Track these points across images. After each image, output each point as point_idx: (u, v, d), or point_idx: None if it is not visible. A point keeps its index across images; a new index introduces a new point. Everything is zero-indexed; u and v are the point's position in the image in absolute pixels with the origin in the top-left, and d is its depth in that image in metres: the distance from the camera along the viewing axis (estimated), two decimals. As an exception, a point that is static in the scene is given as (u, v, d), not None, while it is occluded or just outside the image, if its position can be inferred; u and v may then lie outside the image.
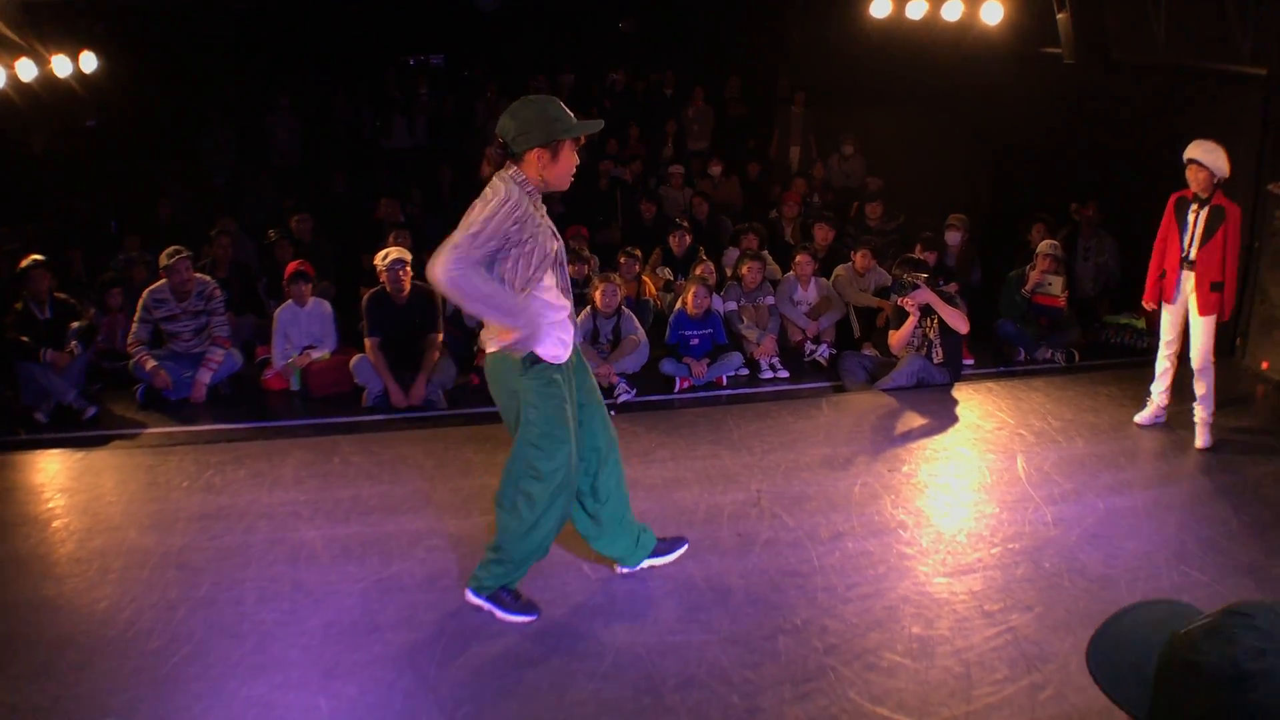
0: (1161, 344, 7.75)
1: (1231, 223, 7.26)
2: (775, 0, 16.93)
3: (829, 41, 15.83)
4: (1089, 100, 11.86)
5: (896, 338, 9.04)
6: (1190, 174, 7.23)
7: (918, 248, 10.43)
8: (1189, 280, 7.41)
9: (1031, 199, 12.39)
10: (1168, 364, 7.74)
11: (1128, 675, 1.67)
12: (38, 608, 5.28)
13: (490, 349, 4.84)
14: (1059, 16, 11.09)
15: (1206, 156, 7.12)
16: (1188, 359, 7.51)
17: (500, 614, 5.12)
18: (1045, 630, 5.00)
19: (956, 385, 8.90)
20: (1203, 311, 7.38)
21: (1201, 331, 7.41)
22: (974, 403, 8.45)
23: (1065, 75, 11.57)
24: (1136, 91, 11.20)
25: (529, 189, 4.62)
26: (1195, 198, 7.28)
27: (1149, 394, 7.91)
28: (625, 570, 5.52)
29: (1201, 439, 7.51)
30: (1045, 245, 10.26)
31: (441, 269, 4.39)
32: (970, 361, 9.76)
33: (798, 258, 10.55)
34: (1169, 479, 6.97)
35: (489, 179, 4.70)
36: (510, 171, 4.61)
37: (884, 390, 8.85)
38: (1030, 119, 12.90)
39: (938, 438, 7.73)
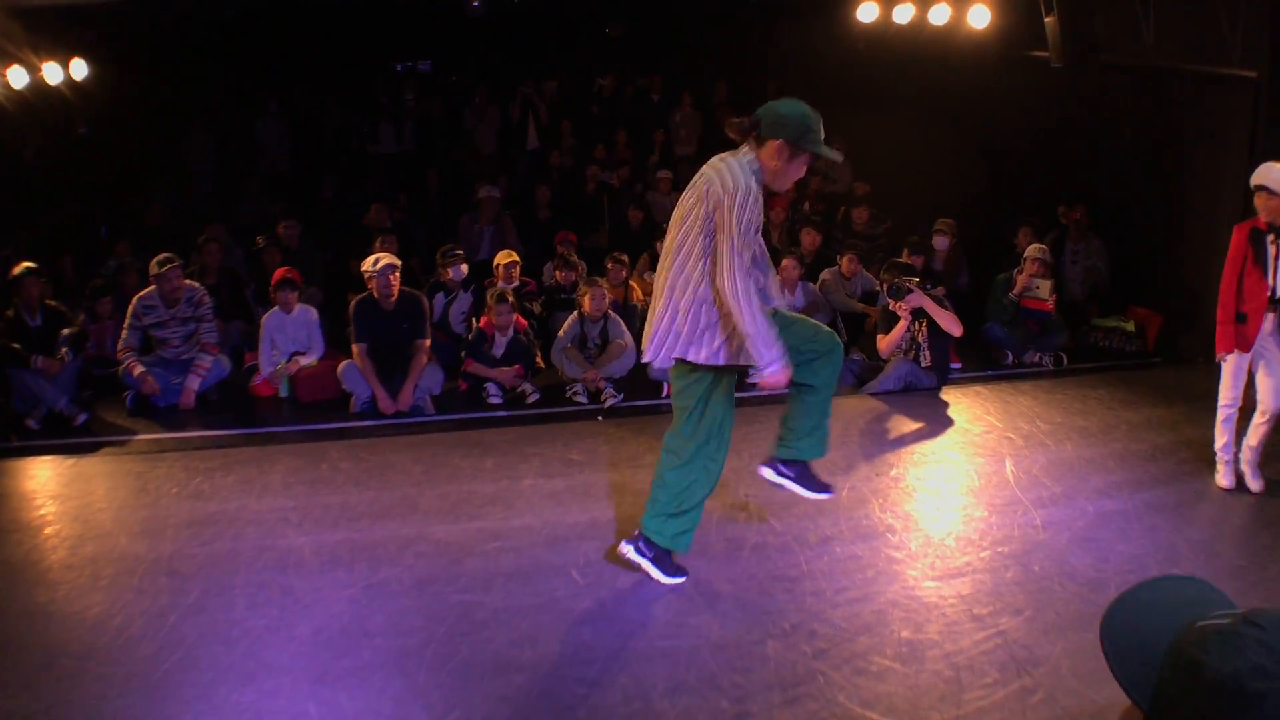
0: (1221, 403, 6.82)
1: None
2: (762, 5, 16.93)
3: (816, 46, 15.85)
4: (1077, 103, 11.90)
5: (886, 341, 9.06)
6: (1259, 202, 6.45)
7: (904, 252, 10.46)
8: (1270, 321, 6.59)
9: (1020, 202, 12.44)
10: (1229, 424, 6.82)
11: (1135, 652, 1.66)
12: (30, 615, 5.27)
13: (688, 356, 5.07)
14: (1047, 20, 11.10)
15: (1276, 181, 6.35)
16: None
17: (657, 574, 5.46)
18: (1035, 634, 5.01)
19: (944, 389, 8.94)
20: None
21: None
22: (962, 406, 8.47)
23: (1053, 78, 11.60)
24: (1125, 94, 11.26)
25: (761, 175, 4.84)
26: (1270, 227, 6.48)
27: (1215, 454, 6.96)
28: None
29: (1232, 479, 6.89)
30: (1033, 249, 10.30)
31: (730, 285, 4.73)
32: (958, 365, 9.79)
33: (784, 262, 10.55)
34: (1159, 482, 6.98)
35: (729, 131, 4.95)
36: (747, 157, 4.82)
37: (871, 394, 8.87)
38: (1018, 122, 12.93)
39: (925, 441, 7.75)
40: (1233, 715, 1.47)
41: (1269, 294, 6.56)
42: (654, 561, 5.48)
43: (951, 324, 8.83)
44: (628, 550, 5.53)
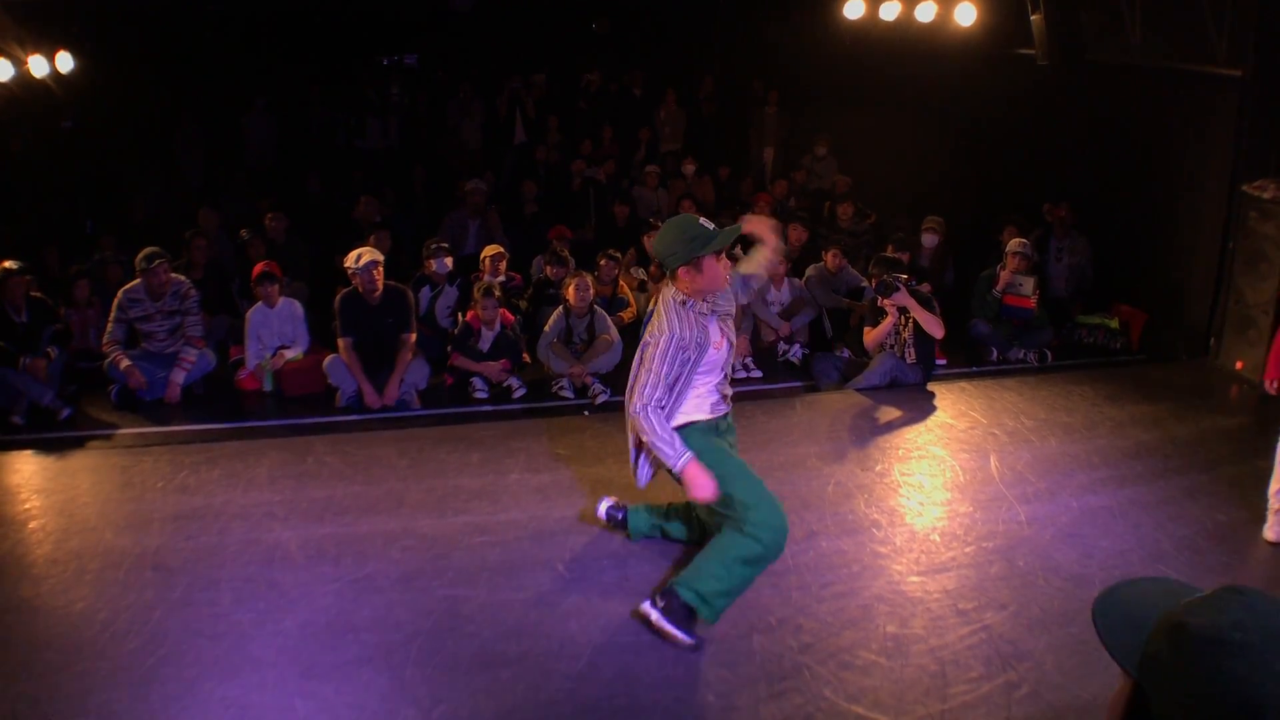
0: None
1: None
2: (749, 1, 16.94)
3: (802, 42, 15.86)
4: (1062, 101, 11.93)
5: (872, 336, 9.05)
6: None
7: (889, 248, 10.47)
8: None
9: (1005, 200, 12.46)
10: None
11: (1124, 623, 1.73)
12: (15, 609, 5.25)
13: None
14: (1033, 18, 11.15)
15: None
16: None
17: (668, 625, 4.90)
18: (1020, 629, 5.03)
19: (929, 385, 8.94)
20: None
21: None
22: (947, 402, 8.48)
23: (1039, 76, 11.64)
24: (1110, 93, 11.29)
25: (689, 303, 4.93)
26: None
27: (1266, 500, 6.18)
28: None
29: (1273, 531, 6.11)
30: (1015, 244, 10.31)
31: (637, 410, 4.89)
32: (943, 361, 9.81)
33: (771, 258, 10.56)
34: (1143, 478, 7.00)
35: (654, 293, 5.09)
36: (673, 294, 4.94)
37: (857, 390, 8.86)
38: (1004, 120, 12.96)
39: (911, 437, 7.76)
40: (1213, 663, 1.54)
41: None
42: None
43: (934, 326, 8.80)
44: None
